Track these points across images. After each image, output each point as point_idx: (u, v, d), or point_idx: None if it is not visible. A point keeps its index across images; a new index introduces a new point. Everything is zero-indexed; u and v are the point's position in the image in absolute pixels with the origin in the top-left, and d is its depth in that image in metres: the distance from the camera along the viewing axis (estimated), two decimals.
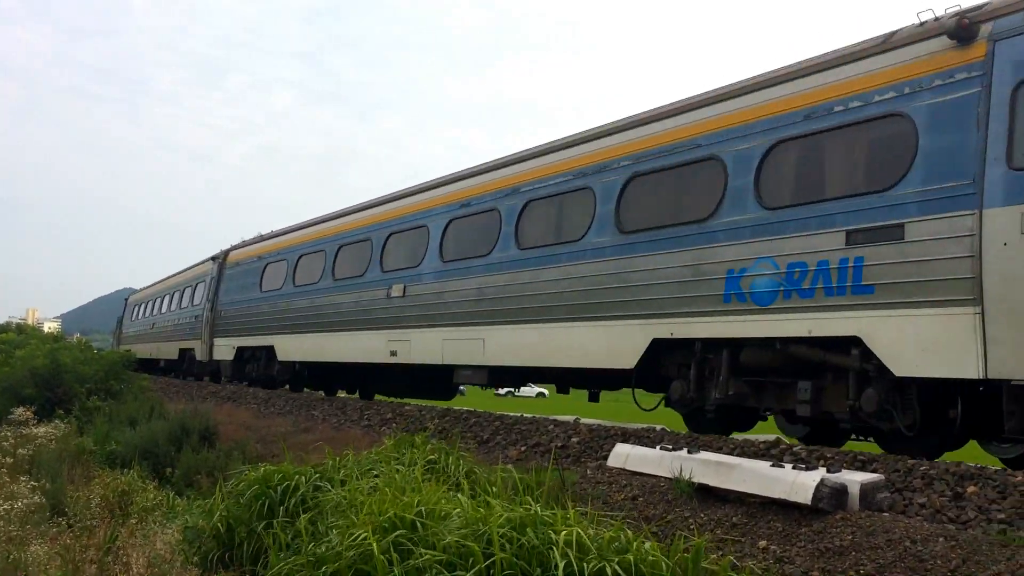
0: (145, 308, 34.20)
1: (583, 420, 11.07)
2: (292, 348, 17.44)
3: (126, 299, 41.74)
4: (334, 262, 16.11)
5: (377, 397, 17.44)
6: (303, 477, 6.76)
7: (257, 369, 19.58)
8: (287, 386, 19.22)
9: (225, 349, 21.19)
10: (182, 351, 25.85)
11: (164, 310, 29.56)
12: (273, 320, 18.31)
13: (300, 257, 17.76)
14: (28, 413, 14.49)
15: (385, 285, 14.01)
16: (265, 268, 19.54)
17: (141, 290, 38.07)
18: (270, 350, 18.50)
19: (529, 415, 11.70)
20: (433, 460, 6.87)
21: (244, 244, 22.48)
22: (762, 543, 5.22)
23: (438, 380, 14.24)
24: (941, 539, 4.75)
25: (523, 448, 9.06)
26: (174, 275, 29.89)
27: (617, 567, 4.26)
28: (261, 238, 21.36)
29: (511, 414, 11.62)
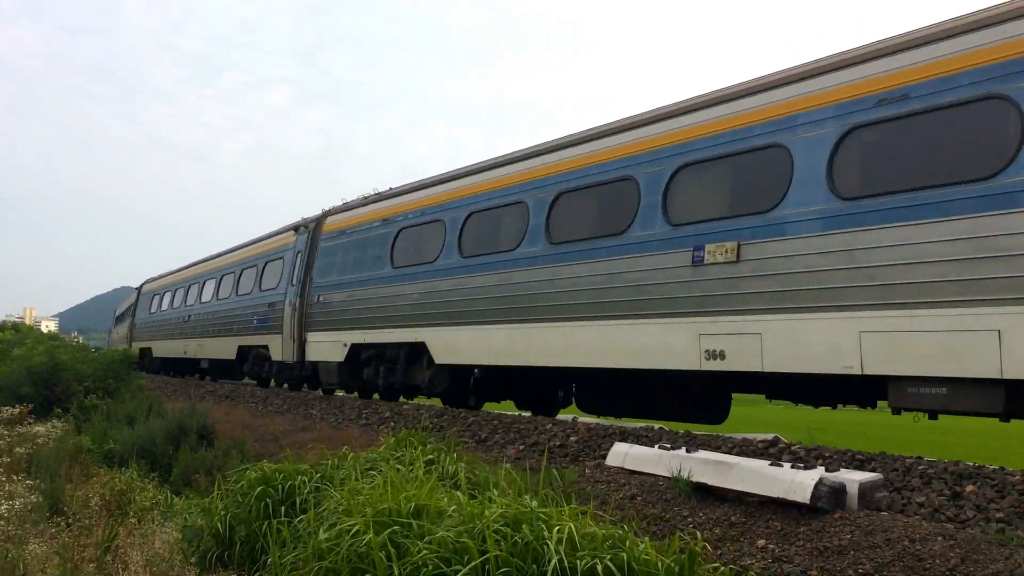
0: (173, 297, 27.80)
1: (581, 419, 11.09)
2: (463, 346, 12.08)
3: (139, 288, 34.89)
4: (548, 218, 10.85)
5: (577, 416, 12.18)
6: (305, 477, 6.76)
7: (391, 374, 14.11)
8: (438, 399, 14.04)
9: (328, 347, 15.72)
10: (244, 349, 20.27)
11: (209, 298, 23.36)
12: (423, 307, 12.95)
13: (471, 216, 12.38)
14: (17, 411, 14.47)
15: (684, 246, 8.95)
16: (398, 235, 14.10)
17: (163, 276, 31.49)
18: (416, 348, 13.32)
19: (528, 415, 11.72)
20: (432, 459, 6.87)
21: (348, 207, 16.72)
22: (761, 542, 5.23)
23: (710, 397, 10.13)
24: (940, 538, 4.75)
25: (522, 447, 9.07)
26: (225, 253, 23.74)
27: (610, 563, 4.26)
28: (380, 196, 15.59)
29: (509, 413, 11.64)
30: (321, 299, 16.14)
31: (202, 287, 24.50)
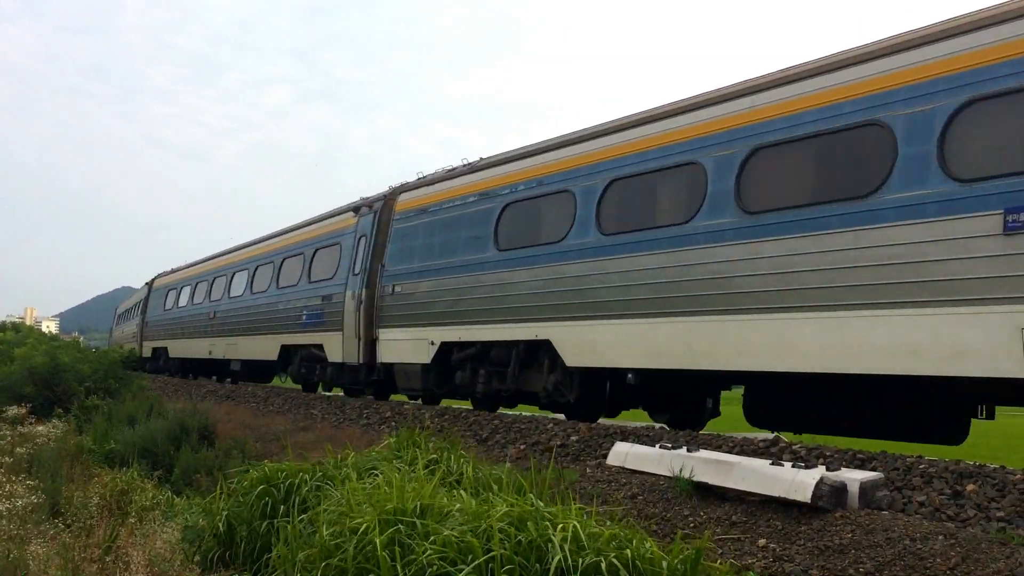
0: (193, 292, 25.24)
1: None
2: (609, 344, 9.62)
3: (149, 283, 31.86)
4: (738, 182, 8.52)
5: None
6: (306, 476, 6.77)
7: (497, 379, 11.71)
8: (557, 410, 11.68)
9: (408, 346, 13.22)
10: (289, 349, 17.83)
11: (241, 292, 20.81)
12: (546, 296, 10.46)
13: (613, 184, 9.92)
14: (22, 411, 14.52)
15: (985, 209, 6.71)
16: (504, 211, 11.61)
17: (179, 269, 28.73)
18: (535, 348, 10.90)
19: (528, 414, 11.72)
20: (434, 459, 6.88)
21: (425, 181, 14.16)
22: (762, 541, 5.23)
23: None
24: (940, 537, 4.76)
25: (523, 447, 9.07)
26: (258, 242, 21.31)
27: (615, 561, 4.28)
28: (472, 167, 12.95)
29: (509, 413, 11.63)
30: (397, 290, 13.58)
31: (230, 280, 21.91)
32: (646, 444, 7.64)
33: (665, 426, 10.13)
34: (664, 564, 4.39)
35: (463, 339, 12.00)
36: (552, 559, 4.28)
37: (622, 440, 8.10)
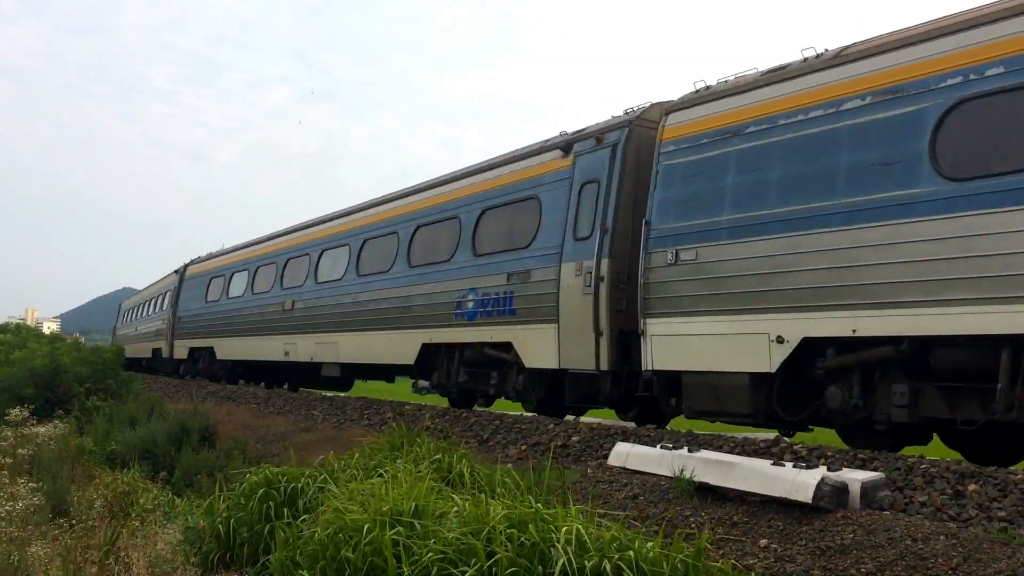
0: (252, 278, 20.71)
1: (583, 419, 11.08)
2: None
3: (180, 271, 26.94)
4: None
5: None
6: (308, 480, 6.77)
7: (941, 399, 7.26)
8: None
9: (715, 344, 8.73)
10: (435, 348, 13.24)
11: (340, 274, 16.31)
12: None
13: None
14: (24, 412, 14.51)
15: None
16: (945, 118, 7.07)
17: (226, 252, 23.94)
18: None
19: (529, 414, 11.71)
20: (436, 459, 6.87)
21: (718, 92, 9.23)
22: (763, 542, 5.23)
23: None
24: (942, 537, 4.75)
25: (523, 447, 9.07)
26: (362, 209, 16.66)
27: (619, 562, 4.28)
28: (833, 60, 8.08)
29: (511, 413, 11.62)
30: (684, 257, 9.04)
31: (316, 261, 17.43)
32: (647, 444, 7.64)
33: (665, 427, 10.03)
34: (666, 565, 4.39)
35: (858, 333, 7.49)
36: (556, 562, 4.27)
37: (623, 440, 8.10)
